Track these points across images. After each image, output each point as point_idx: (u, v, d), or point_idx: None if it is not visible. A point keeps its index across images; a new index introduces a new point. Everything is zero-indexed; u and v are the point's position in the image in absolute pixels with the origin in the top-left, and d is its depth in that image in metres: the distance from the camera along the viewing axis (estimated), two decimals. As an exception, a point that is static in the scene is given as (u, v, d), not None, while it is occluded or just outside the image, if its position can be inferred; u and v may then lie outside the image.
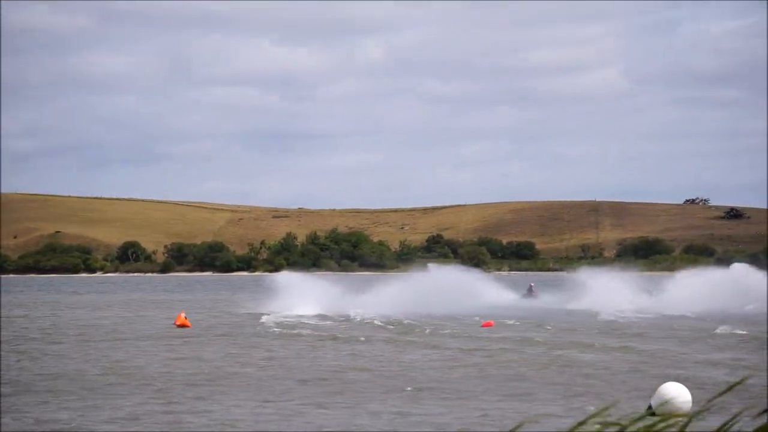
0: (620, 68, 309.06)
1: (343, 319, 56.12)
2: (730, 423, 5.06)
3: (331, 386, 28.42)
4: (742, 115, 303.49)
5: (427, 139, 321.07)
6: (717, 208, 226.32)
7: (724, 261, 78.71)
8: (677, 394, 17.08)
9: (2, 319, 57.95)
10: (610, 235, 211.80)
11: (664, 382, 20.56)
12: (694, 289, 67.46)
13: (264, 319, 55.39)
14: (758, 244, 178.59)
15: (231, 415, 23.66)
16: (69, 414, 24.06)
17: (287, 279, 67.01)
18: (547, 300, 70.89)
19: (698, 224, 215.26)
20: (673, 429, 5.68)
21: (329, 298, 62.50)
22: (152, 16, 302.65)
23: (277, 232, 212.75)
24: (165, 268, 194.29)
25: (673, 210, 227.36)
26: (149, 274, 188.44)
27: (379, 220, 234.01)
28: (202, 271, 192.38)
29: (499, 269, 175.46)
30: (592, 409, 23.20)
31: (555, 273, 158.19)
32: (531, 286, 77.42)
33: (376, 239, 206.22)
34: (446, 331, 47.11)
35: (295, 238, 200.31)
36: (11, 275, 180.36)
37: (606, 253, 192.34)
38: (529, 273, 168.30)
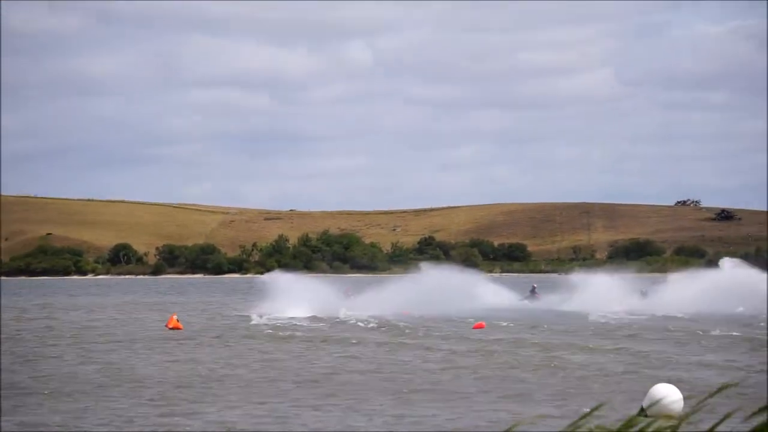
0: (609, 71, 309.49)
1: (336, 320, 56.04)
2: (719, 423, 5.04)
3: (324, 388, 28.36)
4: (732, 117, 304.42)
5: (419, 140, 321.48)
6: (708, 209, 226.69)
7: (715, 263, 78.88)
8: (669, 395, 17.19)
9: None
10: (601, 236, 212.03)
11: (657, 383, 20.17)
12: (687, 291, 67.58)
13: (256, 321, 55.32)
14: (749, 246, 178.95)
15: (225, 418, 23.64)
16: (62, 417, 24.04)
17: (279, 279, 66.82)
18: (549, 302, 70.37)
19: (689, 226, 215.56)
20: (666, 430, 5.65)
21: (322, 299, 62.37)
22: (143, 17, 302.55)
23: (269, 234, 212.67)
24: (156, 270, 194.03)
25: (664, 212, 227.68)
26: (140, 277, 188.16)
27: (370, 222, 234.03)
28: (194, 273, 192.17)
29: (490, 271, 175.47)
30: (587, 410, 23.19)
31: (547, 275, 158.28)
32: (534, 287, 76.97)
33: (367, 241, 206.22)
34: (440, 333, 47.07)
35: (287, 240, 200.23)
36: (2, 278, 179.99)
37: (598, 255, 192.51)
38: (521, 275, 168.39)
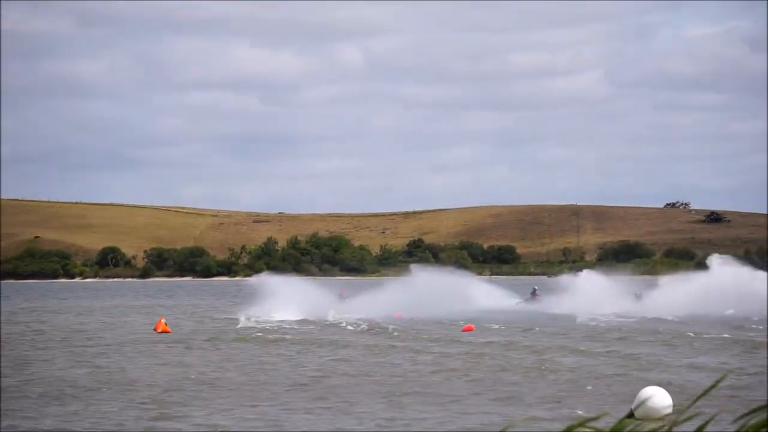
0: (601, 72, 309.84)
1: (326, 323, 55.94)
2: (706, 424, 4.94)
3: (314, 391, 28.30)
4: (724, 119, 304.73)
5: (408, 143, 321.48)
6: (697, 211, 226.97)
7: (705, 265, 78.98)
8: (658, 398, 17.10)
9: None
10: (591, 239, 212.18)
11: (647, 386, 20.59)
12: (678, 294, 67.60)
13: (245, 324, 55.20)
14: (738, 248, 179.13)
15: (214, 421, 23.59)
16: (53, 420, 24.00)
17: (268, 282, 66.56)
18: (550, 304, 69.85)
19: (679, 228, 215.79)
20: (655, 433, 5.69)
21: (311, 302, 62.17)
22: (133, 19, 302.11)
23: (258, 236, 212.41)
24: (145, 274, 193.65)
25: (653, 214, 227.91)
26: (129, 280, 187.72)
27: (359, 224, 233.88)
28: (182, 276, 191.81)
29: (480, 273, 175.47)
30: (579, 413, 23.15)
31: (537, 277, 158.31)
32: (535, 289, 76.49)
33: (356, 244, 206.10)
34: (430, 336, 47.03)
35: (276, 242, 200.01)
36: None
37: (587, 257, 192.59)
38: (511, 277, 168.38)
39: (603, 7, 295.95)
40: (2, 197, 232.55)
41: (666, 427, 5.39)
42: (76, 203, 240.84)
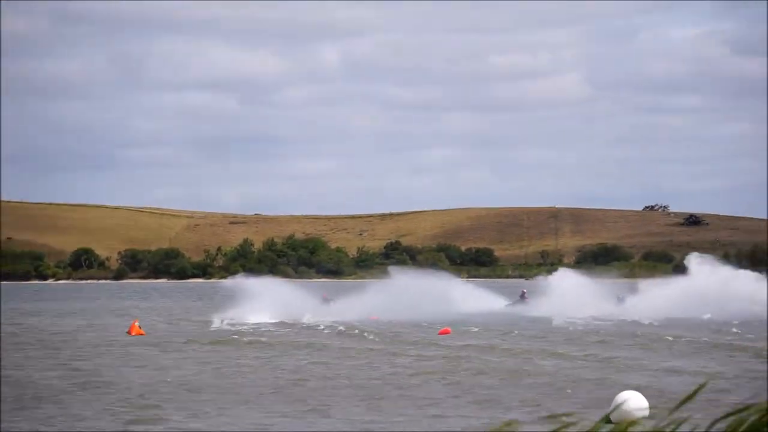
0: (581, 74, 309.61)
1: (303, 326, 55.79)
2: (680, 425, 4.70)
3: (292, 394, 28.15)
4: (703, 122, 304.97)
5: (386, 144, 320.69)
6: (676, 214, 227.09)
7: (684, 266, 78.95)
8: (634, 402, 17.02)
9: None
10: (569, 241, 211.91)
11: (624, 390, 20.44)
12: (658, 297, 67.80)
13: (221, 326, 55.11)
14: (716, 251, 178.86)
15: (190, 424, 23.57)
16: (28, 423, 23.90)
17: (245, 284, 65.69)
18: (529, 308, 69.70)
19: (657, 231, 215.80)
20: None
21: (288, 304, 61.54)
22: (110, 19, 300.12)
23: (234, 238, 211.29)
24: (119, 275, 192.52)
25: (632, 216, 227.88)
26: (102, 281, 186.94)
27: (336, 226, 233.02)
28: (157, 278, 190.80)
29: (457, 276, 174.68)
30: (562, 418, 22.32)
31: (515, 280, 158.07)
32: (523, 292, 76.06)
33: (333, 246, 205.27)
34: (407, 339, 47.00)
35: (252, 244, 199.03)
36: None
37: (565, 260, 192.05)
38: (488, 280, 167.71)
39: (584, 8, 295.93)
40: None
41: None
42: (49, 204, 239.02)
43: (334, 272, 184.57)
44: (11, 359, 38.22)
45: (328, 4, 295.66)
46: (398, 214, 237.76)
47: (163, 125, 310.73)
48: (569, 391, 28.35)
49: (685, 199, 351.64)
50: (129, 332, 50.45)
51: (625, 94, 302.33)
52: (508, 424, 4.82)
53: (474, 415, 24.48)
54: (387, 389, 29.14)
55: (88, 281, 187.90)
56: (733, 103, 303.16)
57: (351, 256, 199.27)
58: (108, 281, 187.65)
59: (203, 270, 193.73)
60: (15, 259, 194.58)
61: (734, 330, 51.20)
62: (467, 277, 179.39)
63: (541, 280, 76.81)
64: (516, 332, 50.07)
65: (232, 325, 55.41)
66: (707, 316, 61.06)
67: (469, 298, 72.54)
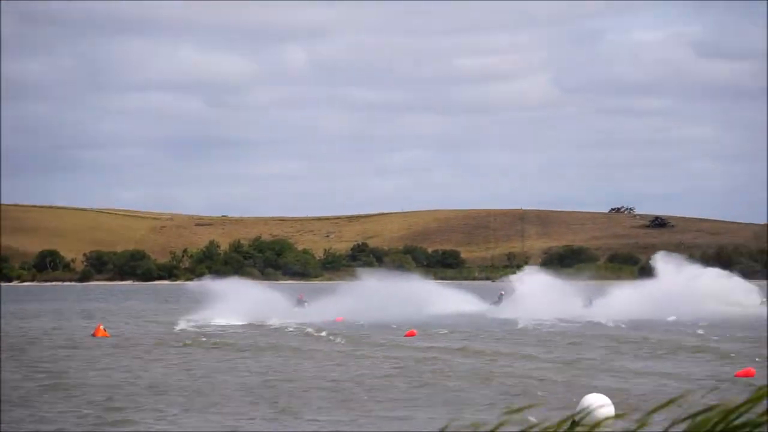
0: (547, 77, 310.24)
1: (271, 328, 55.52)
2: (640, 427, 4.78)
3: (259, 396, 28.00)
4: (668, 124, 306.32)
5: (353, 146, 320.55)
6: (642, 216, 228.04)
7: (650, 268, 79.45)
8: (600, 405, 16.84)
9: None
10: (536, 243, 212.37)
11: (589, 392, 20.19)
12: (627, 299, 68.07)
13: (187, 328, 54.80)
14: (682, 253, 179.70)
15: (158, 426, 23.43)
16: None
17: (213, 286, 65.32)
18: (499, 309, 69.74)
19: (623, 233, 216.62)
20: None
21: (257, 306, 61.30)
22: (74, 20, 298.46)
23: (200, 240, 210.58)
24: (84, 277, 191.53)
25: (598, 218, 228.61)
26: (68, 283, 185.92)
27: (303, 228, 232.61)
28: (123, 279, 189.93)
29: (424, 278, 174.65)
30: (531, 419, 22.32)
31: (481, 282, 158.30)
32: (501, 294, 76.06)
33: (300, 248, 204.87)
34: (374, 341, 46.90)
35: (218, 246, 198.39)
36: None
37: (532, 262, 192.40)
38: (455, 282, 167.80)
39: (549, 11, 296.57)
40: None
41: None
42: (14, 205, 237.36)
43: (301, 274, 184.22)
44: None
45: (294, 5, 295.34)
46: (365, 216, 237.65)
47: (131, 126, 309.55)
48: (540, 394, 28.36)
49: (650, 202, 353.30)
50: (94, 334, 50.26)
51: (591, 96, 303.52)
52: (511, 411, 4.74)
53: (439, 416, 24.46)
54: (355, 391, 29.09)
55: (53, 283, 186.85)
56: (698, 105, 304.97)
57: (318, 258, 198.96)
58: (73, 283, 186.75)
59: (169, 272, 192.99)
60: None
61: (699, 332, 51.49)
62: (434, 279, 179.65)
63: (513, 280, 76.73)
64: (483, 334, 50.05)
65: (200, 327, 55.16)
66: (672, 318, 61.30)
67: (441, 299, 72.59)
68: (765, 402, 4.15)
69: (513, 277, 77.92)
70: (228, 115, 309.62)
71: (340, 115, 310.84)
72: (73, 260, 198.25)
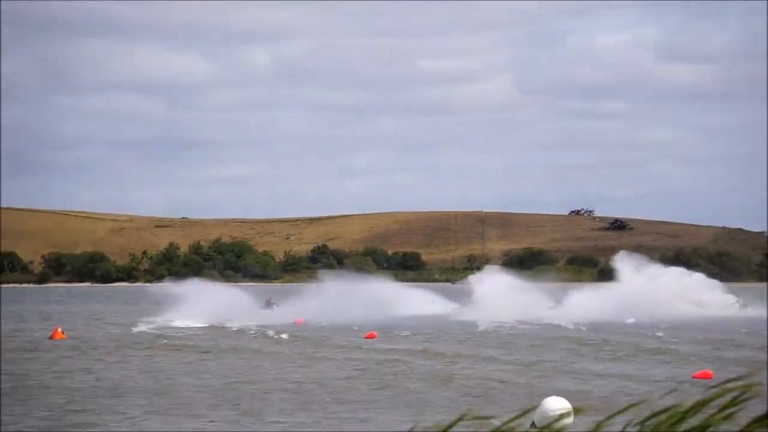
0: (508, 79, 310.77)
1: (233, 330, 55.47)
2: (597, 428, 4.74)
3: (220, 398, 27.92)
4: (629, 127, 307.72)
5: (313, 148, 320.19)
6: (601, 219, 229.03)
7: (607, 273, 79.72)
8: (559, 409, 16.82)
9: None
10: (496, 245, 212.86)
11: (549, 394, 20.24)
12: (588, 302, 68.27)
13: (147, 330, 54.63)
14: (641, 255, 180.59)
15: (117, 429, 23.36)
16: None
17: (174, 288, 65.13)
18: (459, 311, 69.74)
19: (583, 235, 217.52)
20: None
21: (219, 308, 61.09)
22: (35, 20, 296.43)
23: (160, 242, 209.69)
24: (42, 279, 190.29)
25: (558, 221, 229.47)
26: (26, 285, 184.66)
27: (263, 230, 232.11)
28: (81, 281, 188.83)
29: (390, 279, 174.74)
30: (493, 422, 22.40)
31: (441, 284, 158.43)
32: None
33: (260, 249, 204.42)
34: (336, 343, 46.97)
35: (178, 248, 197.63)
36: None
37: (492, 264, 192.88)
38: (415, 284, 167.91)
39: (510, 13, 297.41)
40: None
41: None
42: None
43: (261, 276, 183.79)
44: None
45: (256, 6, 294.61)
46: (326, 218, 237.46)
47: (89, 128, 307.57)
48: (493, 394, 28.39)
49: (610, 204, 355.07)
50: (52, 337, 49.96)
51: (552, 98, 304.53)
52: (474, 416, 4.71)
53: (399, 419, 24.48)
54: (317, 392, 29.10)
55: (11, 285, 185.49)
56: (658, 108, 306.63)
57: (278, 260, 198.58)
58: (31, 285, 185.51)
59: (128, 274, 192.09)
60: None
61: (659, 334, 51.81)
62: (394, 281, 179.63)
63: (473, 280, 76.75)
64: (445, 336, 50.15)
65: (159, 329, 55.00)
66: (631, 320, 61.57)
67: (406, 300, 72.60)
68: (714, 404, 4.18)
69: (472, 278, 77.96)
70: (189, 116, 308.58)
71: (302, 117, 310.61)
72: (31, 262, 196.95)
